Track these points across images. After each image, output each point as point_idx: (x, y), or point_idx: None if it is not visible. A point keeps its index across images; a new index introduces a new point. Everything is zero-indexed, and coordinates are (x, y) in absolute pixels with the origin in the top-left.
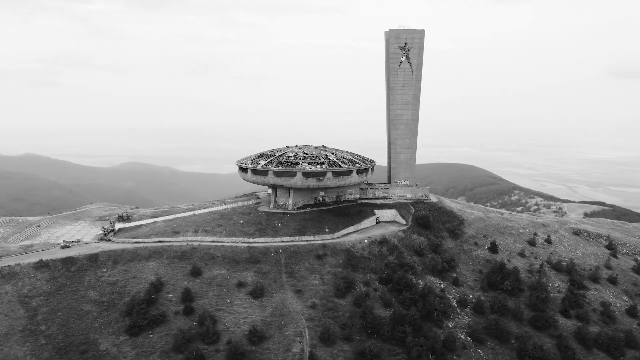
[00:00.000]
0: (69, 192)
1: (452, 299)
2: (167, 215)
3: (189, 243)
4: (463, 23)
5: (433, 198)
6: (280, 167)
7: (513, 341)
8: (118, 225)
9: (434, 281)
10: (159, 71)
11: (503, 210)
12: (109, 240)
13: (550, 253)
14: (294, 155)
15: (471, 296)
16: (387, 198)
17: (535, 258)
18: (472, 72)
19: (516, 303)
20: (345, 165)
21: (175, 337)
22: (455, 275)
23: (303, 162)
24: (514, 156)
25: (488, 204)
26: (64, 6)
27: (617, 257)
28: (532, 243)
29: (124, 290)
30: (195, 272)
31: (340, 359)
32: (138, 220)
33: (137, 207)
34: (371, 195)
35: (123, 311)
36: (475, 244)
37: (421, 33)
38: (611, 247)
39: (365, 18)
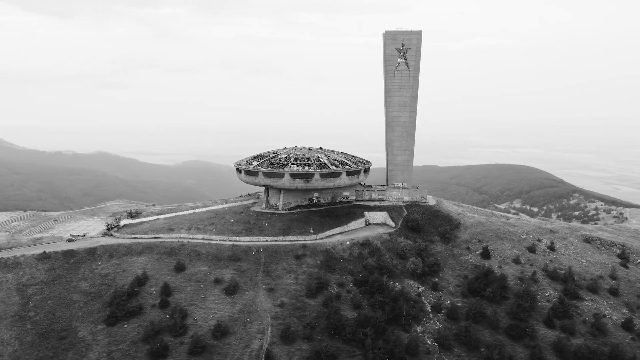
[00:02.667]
0: (133, 189)
1: (427, 304)
2: (171, 212)
3: (180, 240)
4: (516, 18)
5: (431, 201)
6: (270, 168)
7: (483, 349)
8: (124, 222)
9: (412, 285)
10: (221, 72)
11: (510, 215)
12: (111, 235)
13: (550, 261)
14: (286, 157)
15: (448, 302)
16: (384, 200)
17: (531, 265)
18: (532, 67)
19: (493, 311)
20: (334, 167)
21: (146, 328)
22: (436, 280)
23: (293, 164)
24: (584, 157)
25: (545, 208)
26: (135, 12)
27: (627, 267)
28: (532, 250)
29: (112, 282)
30: (179, 268)
31: (296, 358)
32: (145, 217)
33: (153, 204)
34: (367, 197)
35: (106, 302)
36: (468, 248)
37: (418, 34)
38: (623, 256)
39: (426, 16)
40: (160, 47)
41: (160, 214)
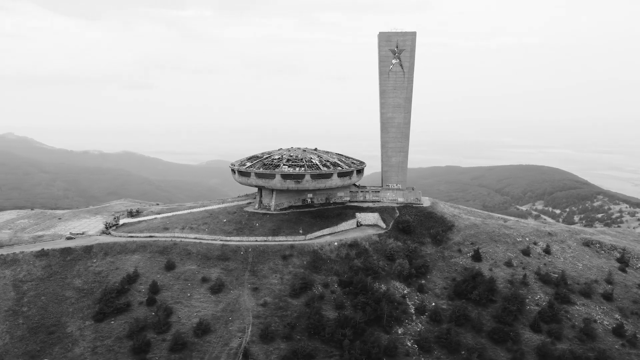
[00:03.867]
0: (157, 188)
1: (411, 306)
2: (169, 212)
3: (173, 239)
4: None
5: (426, 202)
6: (262, 169)
7: (463, 352)
8: (123, 220)
9: (398, 286)
10: (244, 73)
11: (509, 218)
12: (109, 233)
13: (544, 264)
14: (278, 158)
15: (433, 304)
16: (378, 201)
17: (524, 268)
18: (553, 64)
19: (477, 314)
20: (326, 169)
21: (130, 325)
22: (423, 282)
23: (284, 165)
24: (616, 158)
25: (567, 210)
26: (160, 13)
27: (625, 272)
28: (526, 253)
29: (105, 280)
30: (169, 266)
31: (273, 356)
32: (144, 216)
33: (157, 204)
34: (362, 198)
35: (97, 299)
36: (459, 251)
37: (413, 35)
38: (622, 260)
39: (451, 14)
40: (184, 48)
41: (159, 214)
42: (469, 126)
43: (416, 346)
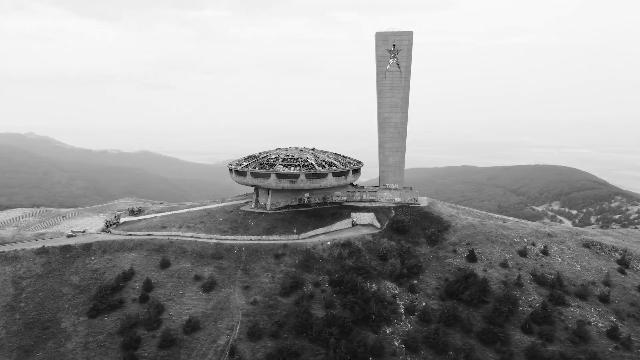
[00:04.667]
0: (173, 187)
1: (401, 305)
2: (170, 211)
3: (170, 237)
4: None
5: (424, 202)
6: (257, 168)
7: (451, 353)
8: (124, 219)
9: (390, 286)
10: (260, 73)
11: (508, 217)
12: (109, 232)
13: (541, 265)
14: (275, 157)
15: (424, 304)
16: (375, 201)
17: (519, 269)
18: (572, 61)
19: (467, 314)
20: (320, 168)
21: (122, 321)
22: (415, 282)
23: (280, 164)
24: (638, 158)
25: (584, 210)
26: (178, 14)
27: (625, 274)
28: (523, 253)
29: (102, 276)
30: (164, 264)
31: (259, 354)
32: (146, 214)
33: (161, 203)
34: (359, 198)
35: (92, 295)
36: (454, 251)
37: (409, 35)
38: (623, 261)
39: (473, 12)
40: (201, 49)
41: (159, 212)
42: (488, 126)
43: (403, 346)
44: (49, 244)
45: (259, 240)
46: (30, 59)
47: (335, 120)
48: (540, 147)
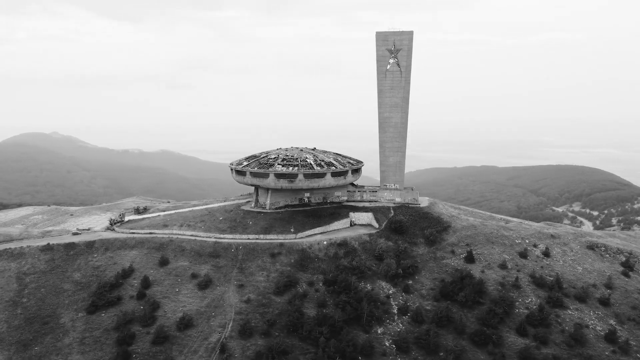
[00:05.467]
0: (193, 186)
1: (394, 306)
2: (174, 209)
3: (170, 236)
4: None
5: (425, 202)
6: (256, 168)
7: (441, 354)
8: (128, 217)
9: (384, 286)
10: (281, 72)
11: (512, 219)
12: (113, 230)
13: (541, 267)
14: (274, 157)
15: (417, 304)
16: (375, 201)
17: (518, 271)
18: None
19: (462, 315)
20: (319, 168)
21: (118, 317)
22: (410, 282)
23: (279, 164)
24: None
25: (605, 212)
26: (199, 15)
27: (629, 276)
28: (523, 255)
29: (102, 274)
30: (163, 262)
31: (249, 352)
32: (150, 213)
33: (168, 202)
34: (359, 198)
35: (92, 292)
36: (452, 252)
37: (410, 34)
38: (627, 264)
39: (498, 9)
40: (222, 49)
41: (163, 211)
42: (509, 125)
43: (394, 346)
44: (54, 241)
45: (257, 239)
46: (55, 60)
47: (359, 119)
48: (563, 146)
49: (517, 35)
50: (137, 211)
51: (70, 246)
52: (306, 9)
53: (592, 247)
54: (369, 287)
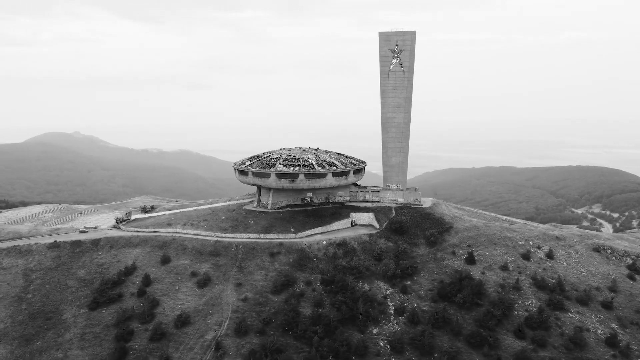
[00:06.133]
0: (210, 186)
1: (391, 306)
2: (180, 209)
3: (173, 234)
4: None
5: (428, 203)
6: (258, 168)
7: (436, 355)
8: (135, 216)
9: (382, 287)
10: (300, 73)
11: (517, 220)
12: (119, 228)
13: (544, 269)
14: (277, 157)
15: (415, 305)
16: (378, 201)
17: (519, 273)
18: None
19: (457, 317)
20: (320, 168)
21: (118, 314)
22: (408, 283)
23: (280, 164)
24: None
25: (626, 214)
26: (218, 16)
27: (634, 280)
28: (525, 257)
29: (106, 271)
30: (165, 260)
31: (244, 350)
32: (156, 212)
33: (177, 201)
34: (361, 198)
35: (95, 289)
36: (453, 253)
37: (412, 35)
38: (634, 267)
39: (521, 7)
40: (242, 49)
41: (169, 210)
42: (530, 125)
43: (389, 347)
44: (61, 238)
45: (257, 238)
46: (79, 61)
47: (375, 118)
48: (585, 147)
49: (540, 33)
50: (144, 210)
51: (77, 244)
52: (325, 9)
53: (598, 249)
54: (366, 287)
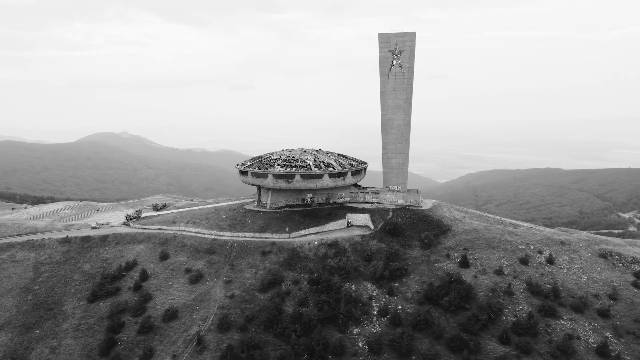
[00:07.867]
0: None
1: (375, 307)
2: (188, 207)
3: (175, 232)
4: None
5: (428, 205)
6: (256, 169)
7: (414, 357)
8: (145, 214)
9: (369, 288)
10: (340, 73)
11: (521, 223)
12: (128, 225)
13: (542, 274)
14: (276, 158)
15: (399, 307)
16: (378, 202)
17: (515, 277)
18: None
19: (439, 320)
20: (317, 169)
21: (112, 307)
22: (397, 284)
23: (278, 165)
24: None
25: None
26: (261, 17)
27: (639, 288)
28: (524, 261)
29: (110, 265)
30: (164, 257)
31: (223, 345)
32: (167, 210)
33: (192, 200)
34: (361, 199)
35: (97, 282)
36: (447, 255)
37: (412, 36)
38: None
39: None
40: (284, 50)
41: (179, 209)
42: (585, 125)
43: (367, 347)
44: (73, 234)
45: (252, 237)
46: (128, 63)
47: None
48: (632, 147)
49: (591, 31)
50: (155, 208)
51: (86, 239)
52: (367, 9)
53: (604, 255)
54: (353, 287)
